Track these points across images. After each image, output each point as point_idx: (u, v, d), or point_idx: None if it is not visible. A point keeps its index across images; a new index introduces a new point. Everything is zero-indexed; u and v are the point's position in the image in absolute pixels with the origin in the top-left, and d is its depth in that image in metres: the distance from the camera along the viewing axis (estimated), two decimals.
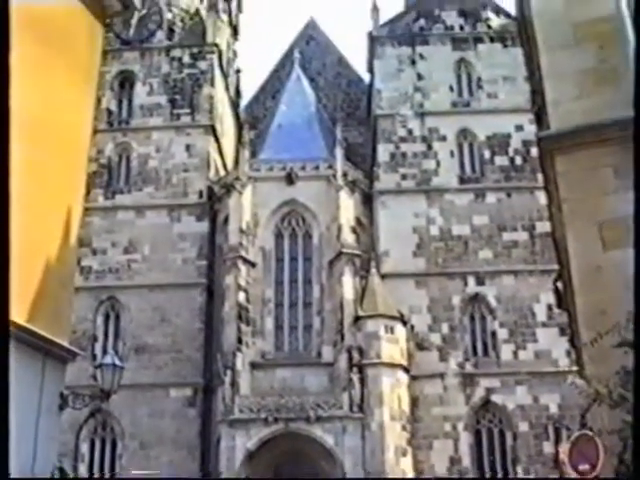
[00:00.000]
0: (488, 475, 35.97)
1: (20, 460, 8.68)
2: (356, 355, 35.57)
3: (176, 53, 44.93)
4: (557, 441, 34.36)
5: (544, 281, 35.81)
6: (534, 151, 37.57)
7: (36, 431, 9.81)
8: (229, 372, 35.52)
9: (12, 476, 7.15)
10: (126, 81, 44.29)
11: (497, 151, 41.08)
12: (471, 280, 38.64)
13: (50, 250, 10.70)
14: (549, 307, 36.34)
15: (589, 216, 8.73)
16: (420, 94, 42.48)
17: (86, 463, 36.77)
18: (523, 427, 36.13)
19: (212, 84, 44.32)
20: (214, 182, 42.04)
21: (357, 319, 36.26)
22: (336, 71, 52.76)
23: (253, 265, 38.49)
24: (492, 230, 39.42)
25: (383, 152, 41.46)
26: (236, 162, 43.22)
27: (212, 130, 43.41)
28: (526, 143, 39.78)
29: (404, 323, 36.98)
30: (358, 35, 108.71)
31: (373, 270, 37.80)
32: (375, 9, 45.42)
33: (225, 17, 49.03)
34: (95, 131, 32.67)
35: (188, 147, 42.63)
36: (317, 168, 40.45)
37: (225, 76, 47.51)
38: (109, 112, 43.20)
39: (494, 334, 37.90)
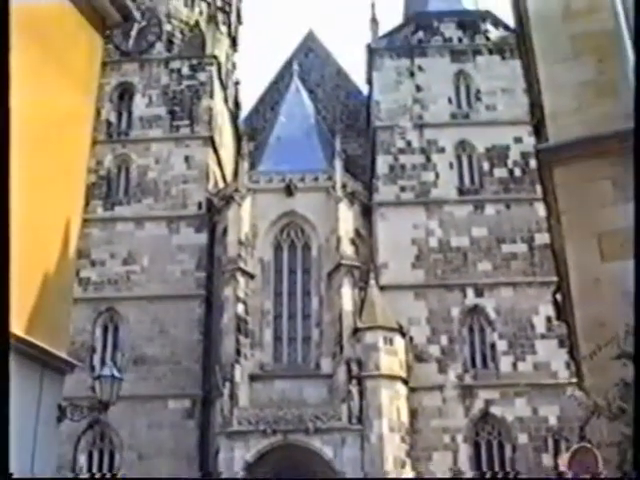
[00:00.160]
0: None
1: (19, 471, 8.65)
2: (355, 367, 35.52)
3: (175, 65, 45.03)
4: (556, 453, 34.26)
5: (543, 293, 35.72)
6: (533, 163, 37.55)
7: (34, 442, 9.79)
8: (228, 384, 35.47)
9: None
10: (125, 92, 44.38)
11: (496, 163, 41.12)
12: (470, 292, 38.63)
13: (49, 261, 10.69)
14: (548, 319, 36.25)
15: (588, 228, 8.73)
16: (419, 106, 42.55)
17: (84, 475, 36.66)
18: (522, 439, 36.07)
19: (211, 96, 44.40)
20: (213, 194, 42.06)
21: (356, 331, 36.23)
22: (335, 83, 52.85)
23: (252, 277, 38.48)
24: (491, 242, 39.43)
25: (382, 164, 41.49)
26: (235, 174, 43.23)
27: (211, 142, 43.47)
28: (525, 155, 39.83)
29: (403, 335, 36.96)
30: (357, 47, 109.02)
31: (372, 282, 37.80)
32: (374, 21, 45.59)
33: (224, 29, 49.15)
34: (94, 142, 32.68)
35: (187, 159, 42.66)
36: (316, 180, 40.48)
37: (224, 88, 47.59)
38: (108, 123, 43.27)
39: (493, 346, 37.87)
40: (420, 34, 44.43)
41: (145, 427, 37.14)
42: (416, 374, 36.87)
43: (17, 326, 9.11)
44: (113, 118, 43.70)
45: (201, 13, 47.31)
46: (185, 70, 44.85)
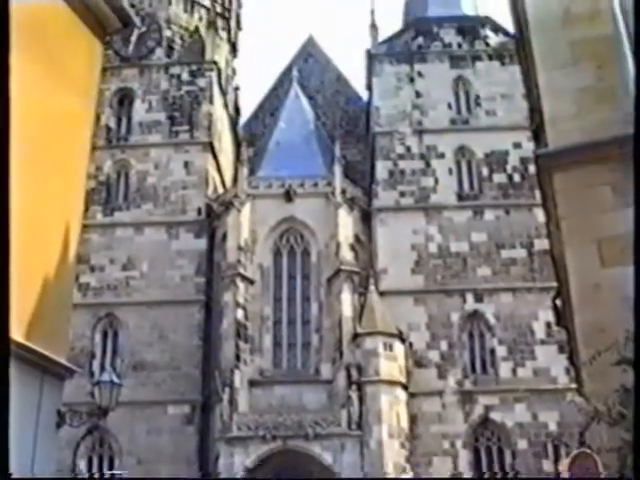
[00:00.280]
0: None
1: (18, 476, 8.64)
2: (355, 372, 35.52)
3: (175, 70, 45.09)
4: (556, 459, 34.26)
5: (543, 298, 35.65)
6: (532, 168, 37.42)
7: (34, 448, 9.78)
8: (227, 389, 35.45)
9: None
10: (125, 98, 44.42)
11: (495, 168, 41.16)
12: (470, 297, 38.64)
13: (48, 267, 10.69)
14: (548, 324, 36.22)
15: (587, 234, 8.73)
16: (418, 111, 42.60)
17: None
18: (522, 445, 36.05)
19: (211, 101, 44.45)
20: (212, 199, 42.08)
21: (356, 336, 36.23)
22: (335, 89, 52.91)
23: (251, 282, 38.48)
24: (490, 247, 39.44)
25: (382, 169, 41.53)
26: (234, 179, 43.23)
27: (210, 147, 43.51)
28: (524, 160, 39.84)
29: (403, 340, 36.96)
30: (357, 53, 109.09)
31: (372, 287, 37.80)
32: (374, 27, 45.68)
33: (224, 35, 49.22)
34: (94, 148, 32.74)
35: (186, 164, 42.70)
36: (316, 185, 40.50)
37: (224, 93, 47.64)
38: (108, 129, 43.30)
39: (493, 351, 37.88)
40: (420, 40, 44.49)
41: (144, 433, 37.11)
42: (416, 380, 36.86)
43: (17, 332, 9.10)
44: (113, 123, 43.73)
45: (201, 19, 47.38)
46: (185, 76, 44.91)
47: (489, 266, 39.16)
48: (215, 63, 45.65)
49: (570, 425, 32.74)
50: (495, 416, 36.62)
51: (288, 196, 40.00)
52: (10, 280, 7.18)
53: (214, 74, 45.28)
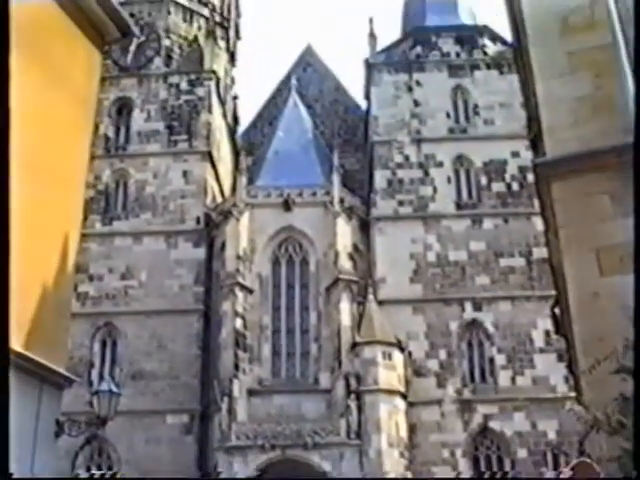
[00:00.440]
0: None
1: None
2: (353, 382, 35.48)
3: (174, 80, 45.15)
4: (556, 468, 34.16)
5: (541, 307, 35.66)
6: (530, 177, 37.44)
7: (32, 457, 9.76)
8: (226, 399, 35.40)
9: None
10: (124, 107, 44.47)
11: (494, 177, 41.20)
12: (468, 306, 38.63)
13: (47, 276, 10.68)
14: (547, 333, 36.23)
15: (586, 242, 8.73)
16: (417, 120, 42.65)
17: None
18: (521, 453, 36.01)
19: (209, 111, 44.49)
20: (211, 208, 42.09)
21: (354, 345, 36.20)
22: (333, 98, 52.97)
23: (250, 291, 38.46)
24: (489, 256, 39.46)
25: (380, 178, 41.56)
26: (233, 188, 43.24)
27: (209, 156, 43.53)
28: (522, 169, 39.90)
29: (401, 349, 36.93)
30: (355, 62, 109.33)
31: (370, 296, 37.78)
32: (372, 36, 45.76)
33: (223, 44, 49.31)
34: (92, 157, 32.72)
35: (185, 173, 42.72)
36: (314, 194, 40.51)
37: (222, 103, 47.68)
38: (106, 138, 43.33)
39: (492, 360, 37.86)
40: (418, 49, 44.58)
41: (143, 442, 37.04)
42: (415, 389, 36.83)
43: (16, 341, 9.10)
44: (111, 133, 43.77)
45: (200, 28, 47.46)
46: (183, 85, 44.97)
47: (488, 275, 39.17)
48: (214, 72, 45.71)
49: (569, 434, 32.75)
50: (494, 425, 36.58)
51: (287, 205, 40.01)
52: (10, 290, 7.17)
53: (213, 83, 45.34)
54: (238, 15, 53.25)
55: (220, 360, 37.16)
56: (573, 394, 21.82)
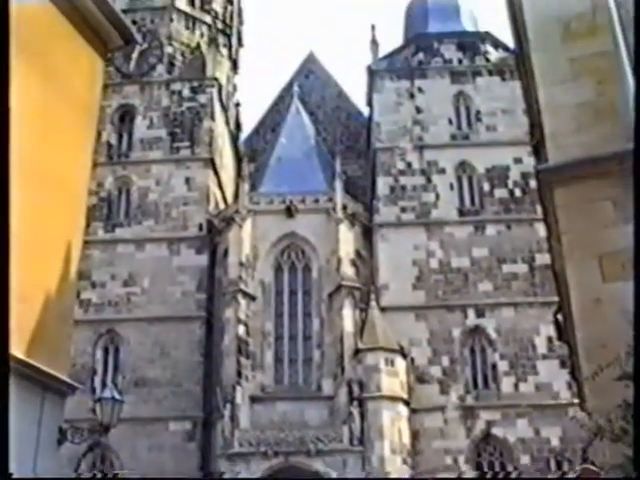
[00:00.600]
0: None
1: None
2: (356, 388, 35.44)
3: (176, 87, 45.20)
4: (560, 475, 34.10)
5: (544, 313, 35.59)
6: (533, 183, 37.50)
7: (35, 465, 9.75)
8: (229, 406, 35.38)
9: None
10: (126, 115, 44.51)
11: (496, 183, 41.20)
12: (471, 312, 38.60)
13: (50, 283, 10.69)
14: (549, 339, 36.17)
15: (588, 248, 8.73)
16: (419, 127, 42.68)
17: None
18: (525, 460, 35.91)
19: (212, 118, 44.53)
20: (214, 215, 42.09)
21: (357, 352, 36.17)
22: (335, 104, 53.01)
23: (253, 298, 38.44)
24: (492, 262, 39.44)
25: (382, 185, 41.58)
26: (236, 195, 43.27)
27: (212, 163, 43.55)
28: (525, 175, 39.89)
29: (404, 356, 36.89)
30: (357, 69, 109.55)
31: (373, 303, 37.76)
32: (374, 43, 45.81)
33: (225, 51, 49.38)
34: (95, 164, 32.72)
35: (188, 180, 42.74)
36: (317, 201, 40.51)
37: (225, 110, 47.74)
38: (109, 145, 43.37)
39: (494, 366, 37.80)
40: (420, 55, 44.61)
41: (146, 449, 36.99)
42: (417, 395, 36.78)
43: (18, 348, 9.09)
44: (114, 140, 43.80)
45: (202, 35, 47.55)
46: (186, 92, 45.02)
47: (490, 281, 39.14)
48: (216, 79, 45.78)
49: (573, 440, 32.64)
50: (497, 431, 36.51)
51: (289, 212, 40.02)
52: (11, 296, 7.18)
53: (215, 90, 45.40)
54: (240, 22, 53.30)
55: (222, 367, 37.14)
56: (576, 400, 21.81)
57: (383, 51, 45.73)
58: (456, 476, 35.76)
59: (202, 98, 44.89)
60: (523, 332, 37.85)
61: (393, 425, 35.10)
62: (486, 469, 36.47)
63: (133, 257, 40.96)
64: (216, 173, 44.18)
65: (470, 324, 38.40)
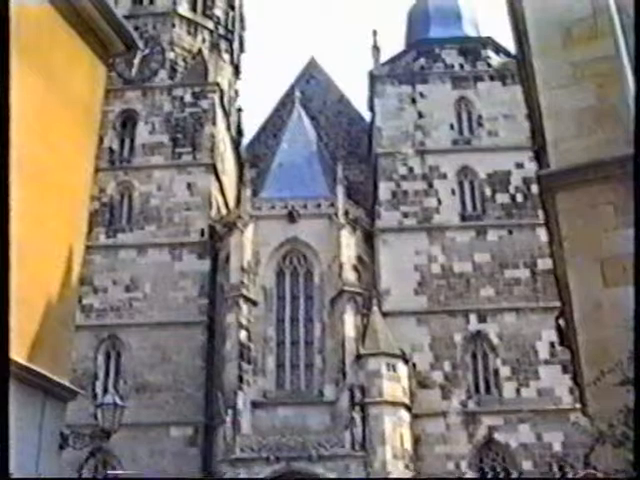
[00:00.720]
0: None
1: None
2: (358, 393, 35.37)
3: (178, 92, 45.23)
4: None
5: (546, 318, 35.62)
6: (535, 188, 37.50)
7: (36, 471, 9.74)
8: (230, 411, 35.32)
9: None
10: (128, 120, 44.53)
11: (498, 188, 41.18)
12: (473, 318, 38.56)
13: (51, 288, 10.68)
14: (551, 344, 36.14)
15: (590, 253, 8.72)
16: (421, 132, 42.69)
17: None
18: (527, 466, 35.83)
19: (214, 123, 44.55)
20: (215, 221, 42.09)
21: (359, 357, 36.11)
22: (337, 110, 53.05)
23: (254, 303, 38.40)
24: (494, 267, 39.41)
25: (384, 190, 41.58)
26: (237, 201, 43.30)
27: (213, 169, 43.54)
28: (527, 180, 39.89)
29: (406, 361, 36.84)
30: (359, 74, 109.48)
31: (375, 308, 37.72)
32: (375, 48, 45.81)
33: (227, 57, 49.42)
34: (97, 169, 32.66)
35: (189, 186, 42.74)
36: (319, 206, 40.49)
37: (227, 115, 47.78)
38: (111, 151, 43.38)
39: (496, 372, 37.74)
40: (422, 61, 44.65)
41: (147, 455, 36.94)
42: (419, 400, 36.73)
43: (19, 353, 9.09)
44: (116, 145, 43.82)
45: (204, 41, 47.59)
46: (188, 97, 45.05)
47: (492, 286, 39.11)
48: (218, 85, 45.80)
49: (575, 446, 32.57)
50: (499, 437, 36.45)
51: (291, 217, 40.00)
52: (12, 301, 7.17)
53: (217, 96, 45.43)
54: (242, 28, 53.38)
55: (224, 372, 37.11)
56: (578, 406, 21.81)
57: (385, 56, 45.77)
58: None
59: (204, 103, 44.91)
60: (525, 337, 37.81)
61: (395, 430, 35.04)
62: (489, 475, 36.37)
63: (135, 262, 40.96)
64: (218, 178, 44.19)
65: (472, 329, 38.36)
